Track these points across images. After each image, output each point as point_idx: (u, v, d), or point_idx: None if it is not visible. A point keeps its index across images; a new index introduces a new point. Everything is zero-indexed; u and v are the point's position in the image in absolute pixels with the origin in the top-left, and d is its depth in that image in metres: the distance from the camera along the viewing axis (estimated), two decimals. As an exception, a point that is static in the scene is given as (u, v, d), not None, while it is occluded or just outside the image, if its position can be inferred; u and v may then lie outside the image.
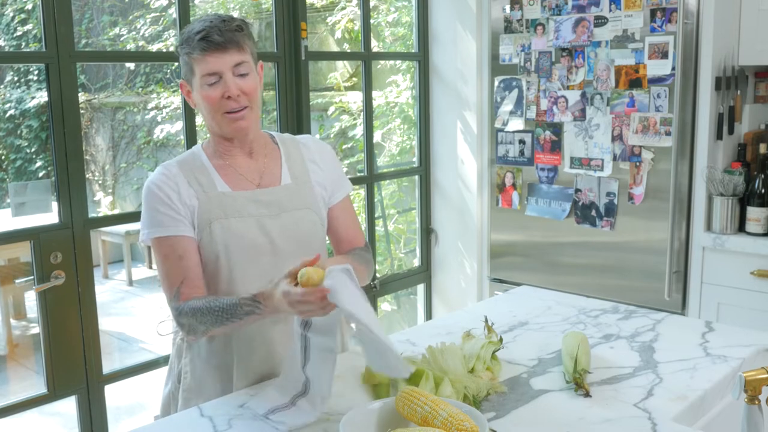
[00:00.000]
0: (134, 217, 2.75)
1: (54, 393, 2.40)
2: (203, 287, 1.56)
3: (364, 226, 3.60)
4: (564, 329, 1.81)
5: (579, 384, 1.45)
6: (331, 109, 5.36)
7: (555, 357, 1.64)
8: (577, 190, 3.14)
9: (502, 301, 2.14)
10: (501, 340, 1.59)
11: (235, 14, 5.71)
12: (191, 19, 2.69)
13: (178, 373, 1.66)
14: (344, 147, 5.26)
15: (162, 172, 1.59)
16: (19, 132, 7.00)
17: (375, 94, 4.23)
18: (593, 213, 3.09)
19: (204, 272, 1.58)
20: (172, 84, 6.81)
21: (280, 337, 1.61)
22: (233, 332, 1.57)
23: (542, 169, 3.25)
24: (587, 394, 1.43)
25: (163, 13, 6.50)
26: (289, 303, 1.31)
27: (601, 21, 2.97)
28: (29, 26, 6.95)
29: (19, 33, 7.03)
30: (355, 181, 3.54)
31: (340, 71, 5.60)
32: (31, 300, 5.39)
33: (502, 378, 1.53)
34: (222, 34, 1.52)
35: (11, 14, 6.96)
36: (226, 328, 1.49)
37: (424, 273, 3.87)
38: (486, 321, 1.68)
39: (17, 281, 4.04)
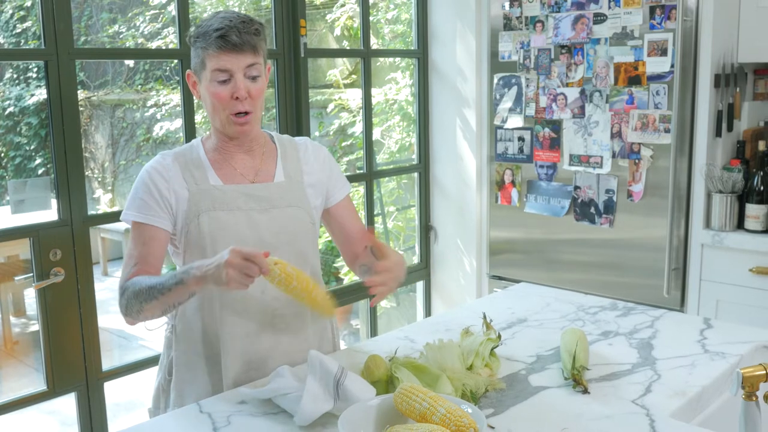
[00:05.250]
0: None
1: (53, 390, 2.41)
2: (156, 274, 1.58)
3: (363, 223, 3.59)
4: (562, 326, 1.82)
5: (577, 381, 1.45)
6: (331, 106, 5.36)
7: (553, 354, 1.65)
8: (576, 187, 3.14)
9: (501, 298, 2.14)
10: (499, 336, 1.60)
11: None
12: (190, 16, 2.69)
13: (168, 365, 1.68)
14: (343, 144, 5.26)
15: (158, 161, 1.64)
16: (18, 129, 7.00)
17: (374, 91, 4.22)
18: (592, 210, 3.10)
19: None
20: (171, 81, 6.80)
21: (263, 326, 1.63)
22: (167, 310, 1.54)
23: (541, 167, 3.25)
24: (585, 391, 1.43)
25: (162, 11, 6.49)
26: (232, 256, 1.35)
27: (600, 18, 2.97)
28: (28, 23, 6.94)
29: (18, 30, 7.02)
30: (355, 178, 3.54)
31: (340, 68, 5.59)
32: (30, 297, 5.39)
33: (501, 375, 1.54)
34: (240, 36, 1.54)
35: (10, 11, 6.95)
36: (158, 304, 1.48)
37: (423, 270, 3.87)
38: (485, 318, 1.68)
39: (16, 278, 4.05)
